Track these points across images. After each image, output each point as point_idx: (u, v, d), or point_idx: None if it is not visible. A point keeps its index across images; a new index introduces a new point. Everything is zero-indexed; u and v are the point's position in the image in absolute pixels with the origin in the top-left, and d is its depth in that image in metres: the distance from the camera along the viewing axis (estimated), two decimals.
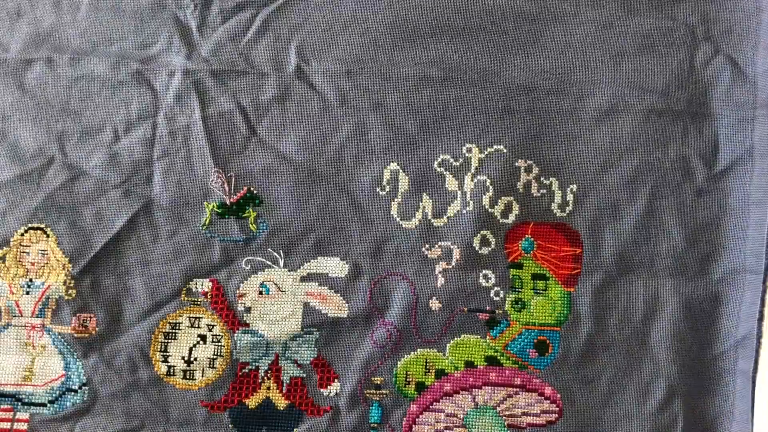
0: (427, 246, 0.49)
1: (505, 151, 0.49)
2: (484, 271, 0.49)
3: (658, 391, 0.49)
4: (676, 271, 0.49)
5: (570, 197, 0.49)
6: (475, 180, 0.49)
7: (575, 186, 0.49)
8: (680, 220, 0.49)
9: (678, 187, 0.49)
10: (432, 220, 0.49)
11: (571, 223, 0.49)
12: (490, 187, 0.49)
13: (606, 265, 0.49)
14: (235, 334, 0.49)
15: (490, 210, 0.49)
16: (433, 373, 0.49)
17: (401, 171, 0.48)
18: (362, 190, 0.49)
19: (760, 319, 0.48)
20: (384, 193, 0.48)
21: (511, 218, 0.49)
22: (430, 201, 0.49)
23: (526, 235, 0.49)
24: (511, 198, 0.49)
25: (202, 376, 0.49)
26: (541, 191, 0.49)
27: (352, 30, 0.49)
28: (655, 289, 0.49)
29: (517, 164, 0.49)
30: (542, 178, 0.49)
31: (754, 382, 0.48)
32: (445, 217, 0.49)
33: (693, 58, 0.49)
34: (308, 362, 0.49)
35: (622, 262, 0.49)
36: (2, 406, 0.48)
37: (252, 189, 0.49)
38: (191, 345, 0.49)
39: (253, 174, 0.49)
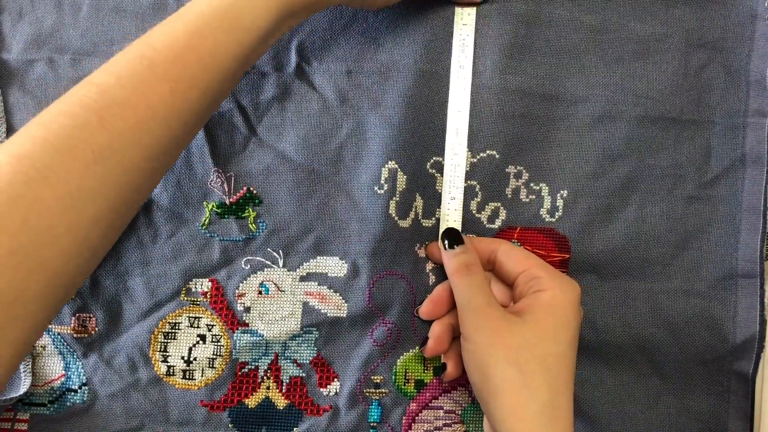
0: (418, 245, 0.50)
1: (497, 156, 0.49)
2: None
3: (652, 392, 0.50)
4: (666, 277, 0.50)
5: (560, 203, 0.50)
6: (466, 184, 0.49)
7: (566, 191, 0.50)
8: (670, 227, 0.50)
9: (669, 193, 0.50)
10: (421, 221, 0.49)
11: (559, 229, 0.50)
12: (479, 193, 0.49)
13: (595, 271, 0.50)
14: (235, 334, 0.49)
15: (477, 215, 0.50)
16: (432, 370, 0.50)
17: (399, 170, 0.48)
18: (361, 189, 0.49)
19: (762, 323, 0.49)
20: (382, 192, 0.48)
21: (498, 223, 0.50)
22: (422, 201, 0.49)
23: (513, 240, 0.50)
24: (499, 204, 0.50)
25: (202, 376, 0.49)
26: (530, 197, 0.50)
27: (352, 29, 0.49)
28: (646, 295, 0.50)
29: (507, 170, 0.50)
30: (532, 184, 0.50)
31: (753, 383, 0.49)
32: (433, 218, 0.49)
33: (687, 65, 0.49)
34: (308, 362, 0.49)
35: (612, 268, 0.50)
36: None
37: (251, 189, 0.49)
38: (191, 345, 0.49)
39: (252, 174, 0.49)
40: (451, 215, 0.49)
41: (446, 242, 0.46)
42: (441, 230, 0.49)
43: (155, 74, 0.37)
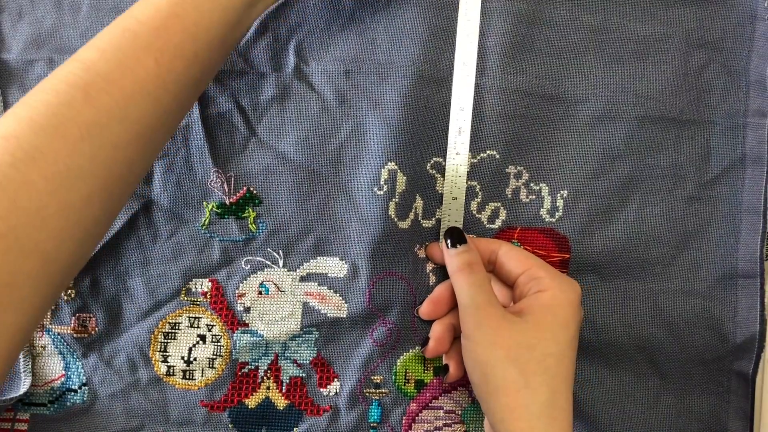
0: (418, 246, 0.50)
1: (497, 156, 0.49)
2: None
3: (652, 392, 0.50)
4: (666, 277, 0.50)
5: (560, 203, 0.50)
6: (466, 185, 0.49)
7: (566, 191, 0.50)
8: (670, 227, 0.50)
9: (669, 194, 0.50)
10: (421, 221, 0.49)
11: (559, 229, 0.50)
12: (480, 193, 0.50)
13: (595, 271, 0.50)
14: (235, 334, 0.49)
15: (477, 215, 0.50)
16: (432, 371, 0.50)
17: (399, 171, 0.48)
18: (360, 189, 0.49)
19: (762, 323, 0.49)
20: (381, 192, 0.48)
21: (498, 223, 0.50)
22: (422, 202, 0.49)
23: (513, 240, 0.50)
24: (499, 204, 0.50)
25: (202, 376, 0.49)
26: (530, 197, 0.50)
27: (350, 30, 0.49)
28: (646, 295, 0.50)
29: (507, 170, 0.50)
30: (532, 184, 0.50)
31: (753, 383, 0.49)
32: (433, 219, 0.49)
33: (687, 65, 0.49)
34: (308, 362, 0.49)
35: (612, 268, 0.50)
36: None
37: (251, 189, 0.49)
38: (191, 345, 0.49)
39: (252, 174, 0.49)
40: (452, 215, 0.49)
41: (449, 241, 0.46)
42: (442, 230, 0.49)
43: (139, 46, 0.36)
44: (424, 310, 0.48)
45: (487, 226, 0.50)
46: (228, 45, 0.41)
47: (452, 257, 0.46)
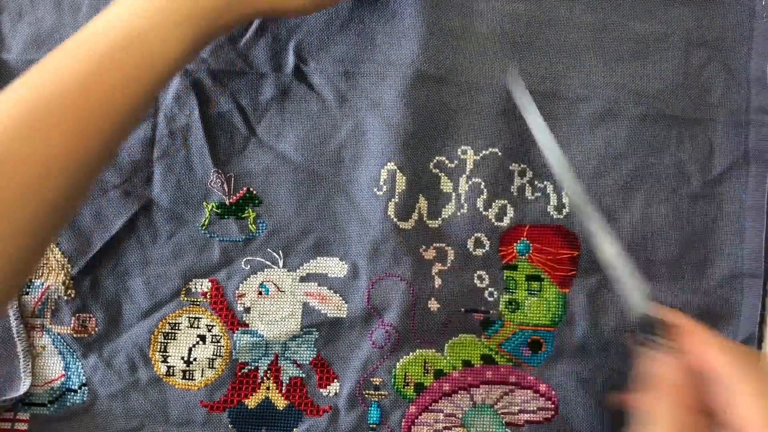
0: (423, 247, 0.49)
1: (500, 154, 0.49)
2: (478, 272, 0.49)
3: None
4: (672, 276, 0.50)
5: (566, 199, 0.49)
6: (470, 182, 0.49)
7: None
8: (675, 226, 0.50)
9: (673, 192, 0.50)
10: (427, 221, 0.49)
11: (568, 225, 0.50)
12: (485, 190, 0.49)
13: (601, 270, 0.50)
14: (235, 335, 0.49)
15: (484, 213, 0.49)
16: (432, 374, 0.50)
17: (399, 171, 0.48)
18: (360, 190, 0.49)
19: (761, 322, 0.49)
20: (381, 193, 0.48)
21: (506, 221, 0.50)
22: (426, 202, 0.49)
23: (522, 238, 0.50)
24: (505, 201, 0.50)
25: (202, 376, 0.49)
26: (536, 194, 0.50)
27: (349, 30, 0.49)
28: (652, 294, 0.49)
29: (510, 168, 0.49)
30: (536, 182, 0.50)
31: None
32: (440, 219, 0.49)
33: (687, 64, 0.49)
34: (307, 362, 0.49)
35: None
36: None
37: (251, 189, 0.49)
38: (191, 345, 0.49)
39: (252, 174, 0.49)
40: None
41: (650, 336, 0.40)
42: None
43: (50, 122, 0.33)
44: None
45: (496, 224, 0.49)
46: (151, 101, 0.39)
47: (663, 365, 0.38)
